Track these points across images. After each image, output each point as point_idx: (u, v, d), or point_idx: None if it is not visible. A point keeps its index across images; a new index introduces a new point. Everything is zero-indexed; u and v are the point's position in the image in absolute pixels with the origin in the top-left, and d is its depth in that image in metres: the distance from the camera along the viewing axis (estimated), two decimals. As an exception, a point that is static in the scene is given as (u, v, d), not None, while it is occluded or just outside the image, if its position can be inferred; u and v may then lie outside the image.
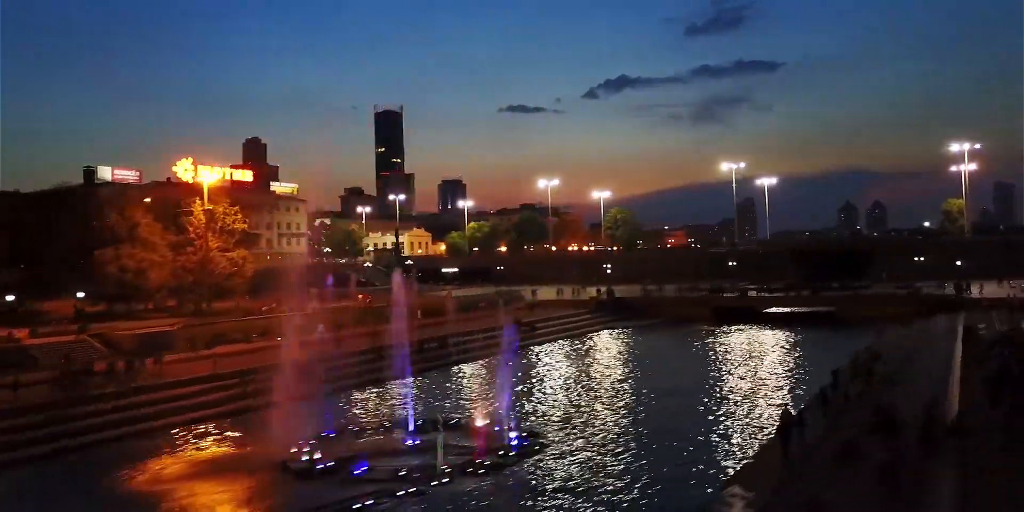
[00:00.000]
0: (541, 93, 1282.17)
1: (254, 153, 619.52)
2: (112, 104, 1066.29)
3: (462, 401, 45.21)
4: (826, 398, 33.90)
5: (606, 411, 40.89)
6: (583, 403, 43.19)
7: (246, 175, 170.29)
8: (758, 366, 55.25)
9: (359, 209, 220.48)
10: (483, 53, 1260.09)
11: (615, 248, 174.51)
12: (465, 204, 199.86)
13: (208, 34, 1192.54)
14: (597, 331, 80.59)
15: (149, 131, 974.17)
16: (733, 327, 79.82)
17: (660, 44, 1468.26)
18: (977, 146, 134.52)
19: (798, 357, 59.13)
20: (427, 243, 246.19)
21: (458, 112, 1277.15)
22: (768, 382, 48.55)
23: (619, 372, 54.18)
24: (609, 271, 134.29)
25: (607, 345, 70.45)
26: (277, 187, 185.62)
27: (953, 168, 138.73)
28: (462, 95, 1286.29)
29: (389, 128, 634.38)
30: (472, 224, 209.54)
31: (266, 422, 34.97)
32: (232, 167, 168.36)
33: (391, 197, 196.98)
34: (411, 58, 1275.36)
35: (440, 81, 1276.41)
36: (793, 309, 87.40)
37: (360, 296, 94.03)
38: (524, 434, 33.85)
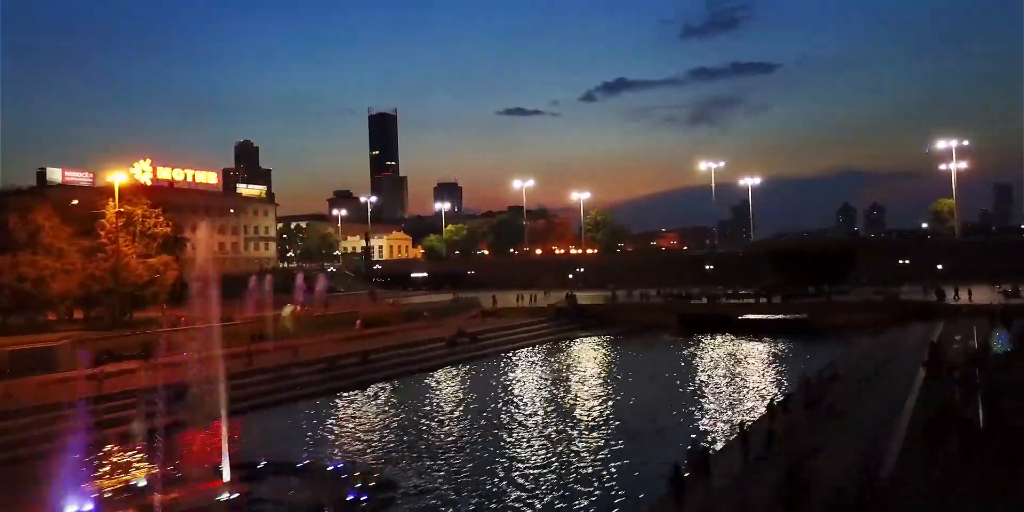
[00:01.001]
0: (538, 96, 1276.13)
1: (246, 156, 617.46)
2: (108, 105, 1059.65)
3: (335, 436, 38.70)
4: (746, 437, 27.56)
5: (494, 448, 34.41)
6: (475, 438, 36.65)
7: (210, 177, 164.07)
8: (702, 386, 48.82)
9: (335, 212, 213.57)
10: (479, 56, 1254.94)
11: (592, 251, 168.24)
12: (442, 206, 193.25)
13: (204, 36, 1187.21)
14: (548, 342, 74.10)
15: (142, 133, 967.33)
16: (699, 336, 73.58)
17: (656, 46, 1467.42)
18: (966, 143, 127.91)
19: (752, 375, 52.67)
20: (407, 246, 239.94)
21: (454, 115, 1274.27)
22: (706, 408, 42.13)
23: (543, 396, 47.64)
24: (579, 275, 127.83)
25: (548, 360, 63.93)
26: (244, 189, 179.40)
27: (943, 167, 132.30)
28: (458, 98, 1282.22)
29: (383, 131, 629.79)
30: (450, 227, 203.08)
31: (55, 469, 28.38)
32: (199, 169, 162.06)
33: (366, 199, 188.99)
34: (407, 60, 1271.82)
35: (436, 84, 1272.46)
36: (765, 316, 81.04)
37: (293, 305, 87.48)
38: (372, 484, 27.49)
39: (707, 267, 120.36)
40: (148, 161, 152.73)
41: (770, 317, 79.45)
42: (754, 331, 74.86)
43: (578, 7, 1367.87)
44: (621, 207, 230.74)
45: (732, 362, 58.46)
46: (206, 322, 64.91)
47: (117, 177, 68.64)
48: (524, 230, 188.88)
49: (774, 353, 62.74)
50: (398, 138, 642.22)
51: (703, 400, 44.31)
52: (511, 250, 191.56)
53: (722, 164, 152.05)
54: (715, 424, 37.95)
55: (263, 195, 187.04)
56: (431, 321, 79.15)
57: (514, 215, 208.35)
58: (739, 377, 51.60)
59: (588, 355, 65.81)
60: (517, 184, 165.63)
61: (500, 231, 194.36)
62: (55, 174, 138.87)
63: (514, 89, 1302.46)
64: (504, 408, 43.61)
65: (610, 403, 44.19)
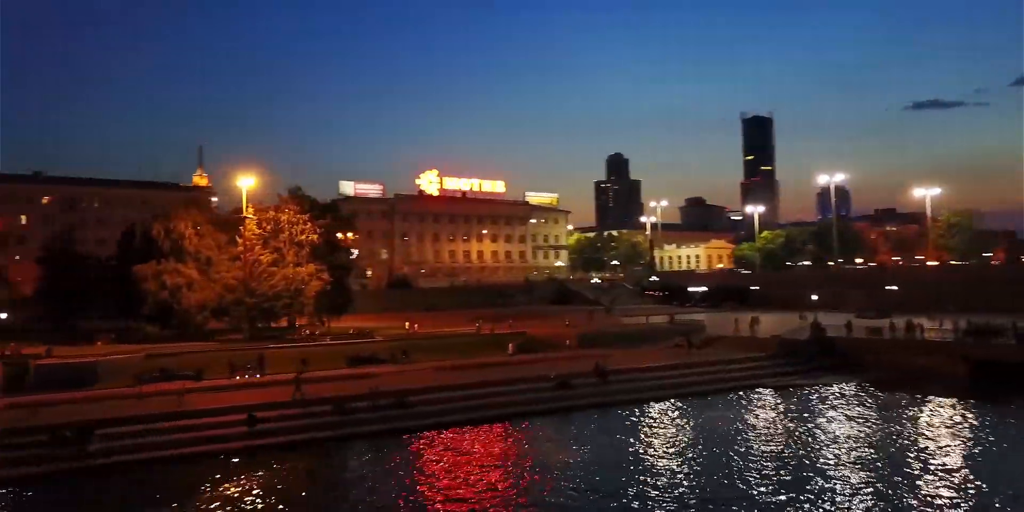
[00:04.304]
0: (951, 86, 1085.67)
1: (617, 168, 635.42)
2: (512, 128, 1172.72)
3: None
4: None
5: None
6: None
7: (496, 186, 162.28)
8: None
9: (643, 219, 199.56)
10: (863, 51, 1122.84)
11: (932, 263, 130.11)
12: (755, 210, 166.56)
13: (582, 57, 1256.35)
14: (743, 390, 51.97)
15: (525, 152, 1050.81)
16: (1001, 400, 46.00)
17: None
18: None
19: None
20: (727, 255, 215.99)
21: (837, 114, 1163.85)
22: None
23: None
24: (890, 294, 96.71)
25: (707, 423, 42.74)
26: (533, 197, 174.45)
27: None
28: (844, 95, 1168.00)
29: (758, 135, 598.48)
30: (765, 233, 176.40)
31: None
32: (476, 179, 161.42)
33: (652, 204, 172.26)
34: (781, 63, 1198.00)
35: (812, 85, 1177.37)
36: None
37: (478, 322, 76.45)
38: None
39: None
40: (435, 172, 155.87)
41: None
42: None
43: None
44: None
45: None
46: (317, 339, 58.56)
47: (244, 182, 63.93)
48: (860, 237, 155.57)
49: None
50: (774, 141, 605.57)
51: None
52: (838, 260, 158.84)
53: None
54: None
55: (555, 203, 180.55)
56: (567, 352, 62.14)
57: (844, 221, 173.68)
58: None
59: (792, 422, 42.96)
60: (918, 189, 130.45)
61: (823, 238, 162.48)
62: (347, 187, 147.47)
63: (917, 82, 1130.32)
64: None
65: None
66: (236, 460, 34.31)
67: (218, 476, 31.89)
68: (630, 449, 35.91)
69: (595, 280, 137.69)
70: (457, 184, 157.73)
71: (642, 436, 38.81)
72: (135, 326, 69.59)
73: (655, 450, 35.84)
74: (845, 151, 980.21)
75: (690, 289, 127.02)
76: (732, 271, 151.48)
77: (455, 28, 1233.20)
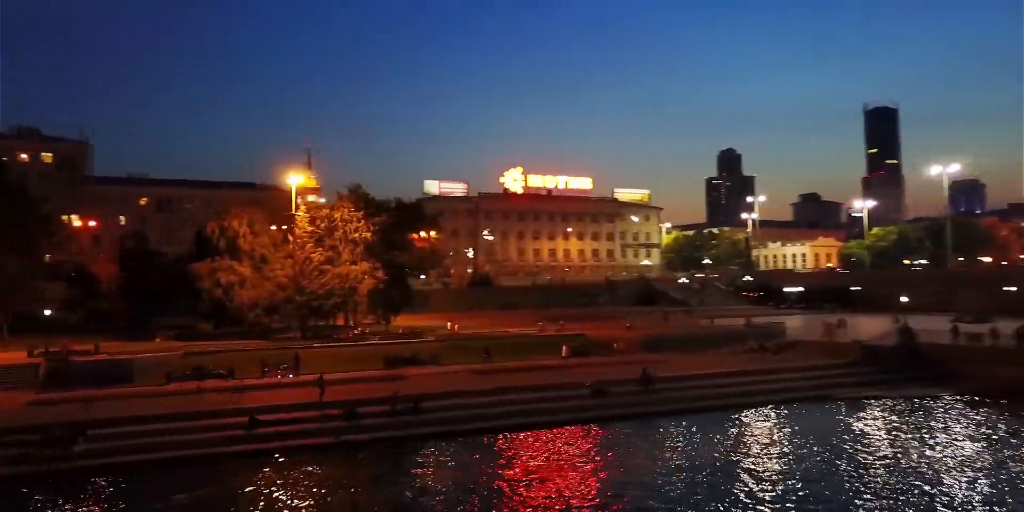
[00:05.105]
0: None
1: (728, 164, 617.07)
2: (613, 123, 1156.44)
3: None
4: None
5: None
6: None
7: (583, 183, 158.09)
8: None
9: (744, 216, 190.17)
10: (995, 35, 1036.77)
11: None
12: (864, 205, 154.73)
13: (696, 53, 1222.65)
14: (807, 401, 46.58)
15: (628, 149, 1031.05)
16: None
17: None
18: None
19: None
20: (834, 254, 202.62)
21: (968, 105, 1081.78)
22: None
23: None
24: (1010, 295, 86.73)
25: (745, 440, 38.13)
26: (622, 194, 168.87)
27: None
28: (975, 85, 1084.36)
29: (882, 127, 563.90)
30: (875, 230, 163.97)
31: None
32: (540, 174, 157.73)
33: (750, 199, 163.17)
34: (904, 54, 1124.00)
35: (942, 74, 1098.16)
36: None
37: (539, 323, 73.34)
38: None
39: None
40: (520, 169, 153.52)
41: None
42: None
43: None
44: None
45: None
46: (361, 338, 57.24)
47: (293, 179, 63.27)
48: (981, 234, 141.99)
49: None
50: (900, 134, 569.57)
51: None
52: (958, 259, 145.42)
53: None
54: None
55: (646, 199, 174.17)
56: (625, 356, 57.76)
57: (967, 217, 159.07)
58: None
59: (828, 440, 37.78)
60: None
61: (940, 235, 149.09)
62: (432, 186, 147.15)
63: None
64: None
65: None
66: (230, 464, 32.77)
67: (201, 482, 30.33)
68: (640, 468, 31.96)
69: (682, 280, 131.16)
70: (542, 181, 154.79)
71: (668, 453, 34.70)
72: (193, 324, 70.62)
73: (661, 471, 31.64)
74: (981, 143, 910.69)
75: (786, 289, 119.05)
76: (833, 270, 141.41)
77: (553, 26, 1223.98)
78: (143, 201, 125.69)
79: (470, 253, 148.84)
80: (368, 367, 52.31)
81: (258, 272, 65.54)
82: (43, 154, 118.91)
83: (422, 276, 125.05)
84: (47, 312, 70.38)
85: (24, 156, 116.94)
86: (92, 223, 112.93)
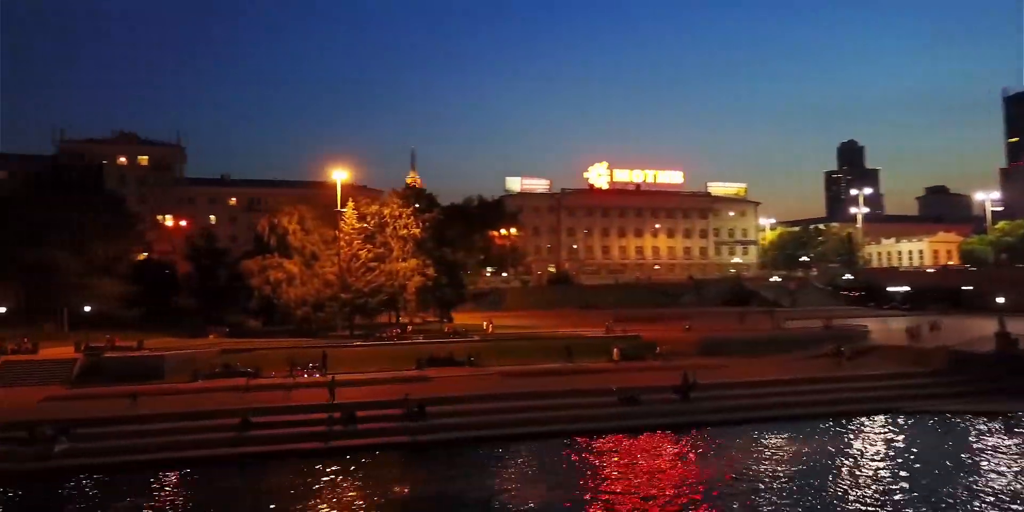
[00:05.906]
0: None
1: (850, 157, 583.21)
2: (732, 119, 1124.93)
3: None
4: None
5: None
6: None
7: (673, 176, 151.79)
8: None
9: (852, 210, 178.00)
10: None
11: None
12: (986, 197, 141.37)
13: (815, 44, 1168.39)
14: (874, 414, 41.16)
15: (733, 141, 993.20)
16: None
17: None
18: None
19: None
20: (953, 251, 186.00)
21: None
22: None
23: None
24: None
25: (786, 457, 33.53)
26: (717, 188, 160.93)
27: None
28: None
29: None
30: (1001, 224, 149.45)
31: None
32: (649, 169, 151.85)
33: (854, 192, 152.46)
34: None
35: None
36: None
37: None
38: None
39: None
40: (604, 164, 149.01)
41: None
42: None
43: None
44: None
45: None
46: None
47: (338, 175, 62.32)
48: None
49: None
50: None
51: None
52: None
53: None
54: None
55: (742, 194, 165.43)
56: (677, 360, 53.00)
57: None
58: None
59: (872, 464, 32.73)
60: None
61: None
62: (514, 183, 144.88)
63: None
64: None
65: None
66: (214, 467, 31.43)
67: (177, 486, 29.07)
68: (618, 488, 28.21)
69: (774, 278, 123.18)
70: (629, 176, 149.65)
71: (679, 468, 30.79)
72: (243, 321, 71.30)
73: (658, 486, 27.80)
74: None
75: (889, 289, 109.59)
76: (945, 268, 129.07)
77: (654, 15, 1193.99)
78: (232, 201, 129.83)
79: (548, 250, 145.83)
80: (400, 367, 50.54)
81: (308, 269, 65.27)
82: (139, 157, 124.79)
83: (503, 273, 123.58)
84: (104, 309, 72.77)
85: (123, 159, 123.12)
86: (183, 223, 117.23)
